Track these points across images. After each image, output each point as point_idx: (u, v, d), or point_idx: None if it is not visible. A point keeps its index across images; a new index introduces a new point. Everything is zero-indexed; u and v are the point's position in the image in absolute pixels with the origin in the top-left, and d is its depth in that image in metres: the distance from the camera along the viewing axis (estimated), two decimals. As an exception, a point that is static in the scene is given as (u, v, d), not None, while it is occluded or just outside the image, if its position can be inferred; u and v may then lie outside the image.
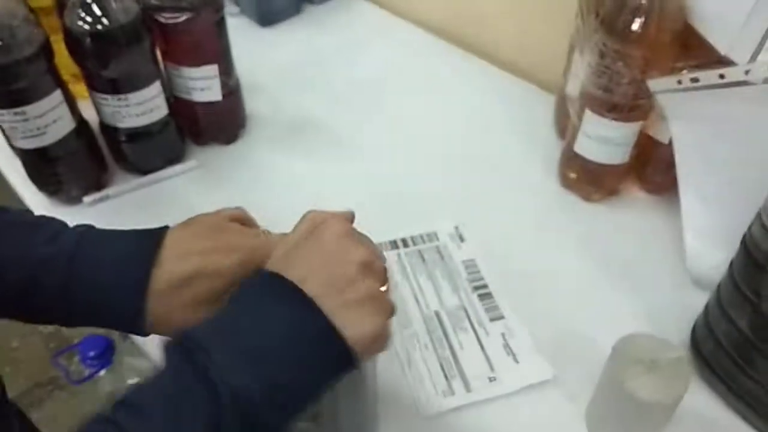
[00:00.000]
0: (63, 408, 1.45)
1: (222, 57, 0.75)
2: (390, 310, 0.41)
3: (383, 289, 0.42)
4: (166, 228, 0.47)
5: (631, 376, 0.48)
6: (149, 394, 0.35)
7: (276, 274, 0.39)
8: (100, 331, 1.29)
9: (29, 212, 0.48)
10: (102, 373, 1.21)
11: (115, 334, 1.35)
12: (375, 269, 0.41)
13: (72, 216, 0.71)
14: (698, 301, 0.59)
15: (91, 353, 1.17)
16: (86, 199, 0.74)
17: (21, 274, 0.44)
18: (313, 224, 0.42)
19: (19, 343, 1.59)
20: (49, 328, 1.62)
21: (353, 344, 0.38)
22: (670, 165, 0.66)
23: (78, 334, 1.55)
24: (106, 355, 1.21)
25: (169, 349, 0.37)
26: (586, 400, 0.55)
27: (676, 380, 0.48)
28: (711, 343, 0.56)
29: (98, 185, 0.76)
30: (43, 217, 0.49)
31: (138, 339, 0.50)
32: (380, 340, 0.40)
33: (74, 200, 0.74)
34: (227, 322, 0.38)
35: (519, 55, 0.93)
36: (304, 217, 0.44)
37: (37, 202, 0.74)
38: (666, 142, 0.68)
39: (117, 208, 0.75)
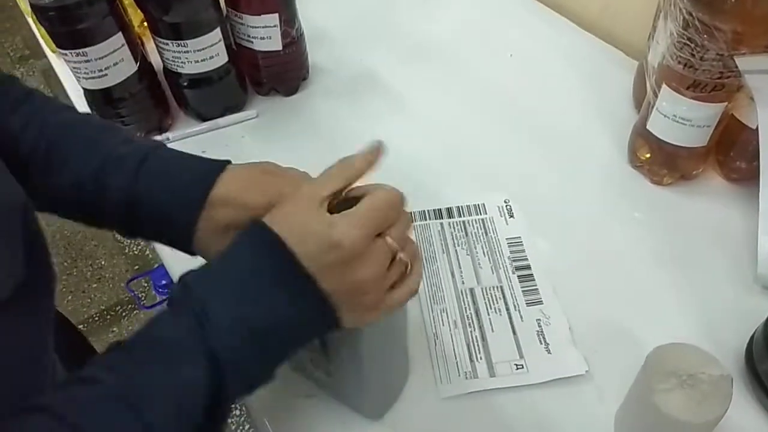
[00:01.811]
0: (139, 326, 1.56)
1: (284, 6, 0.73)
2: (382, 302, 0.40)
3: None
4: (228, 162, 0.48)
5: (662, 390, 0.44)
6: (142, 343, 0.37)
7: (262, 224, 0.38)
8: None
9: (99, 118, 0.50)
10: (171, 300, 1.28)
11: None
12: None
13: (133, 157, 0.75)
14: (762, 309, 0.54)
15: (162, 282, 1.24)
16: (147, 141, 0.76)
17: (94, 167, 0.45)
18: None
19: (106, 262, 1.71)
20: (135, 251, 1.73)
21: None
22: (756, 152, 0.59)
23: (156, 260, 1.64)
24: (175, 285, 1.28)
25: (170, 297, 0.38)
26: (618, 403, 0.51)
27: (713, 401, 0.43)
28: (769, 359, 0.50)
29: (160, 128, 0.78)
30: (114, 123, 0.51)
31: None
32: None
33: (137, 141, 0.77)
34: (221, 272, 0.38)
35: (603, 13, 0.85)
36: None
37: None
38: (754, 126, 0.60)
39: None
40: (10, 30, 2.39)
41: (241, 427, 1.39)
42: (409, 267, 0.41)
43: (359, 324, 0.41)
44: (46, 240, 0.39)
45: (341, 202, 0.40)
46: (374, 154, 0.42)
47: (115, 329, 1.57)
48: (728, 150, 0.66)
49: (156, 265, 1.59)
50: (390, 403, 0.53)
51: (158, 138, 0.76)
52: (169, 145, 0.74)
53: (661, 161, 0.67)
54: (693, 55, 0.56)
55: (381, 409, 0.52)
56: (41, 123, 0.47)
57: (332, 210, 0.39)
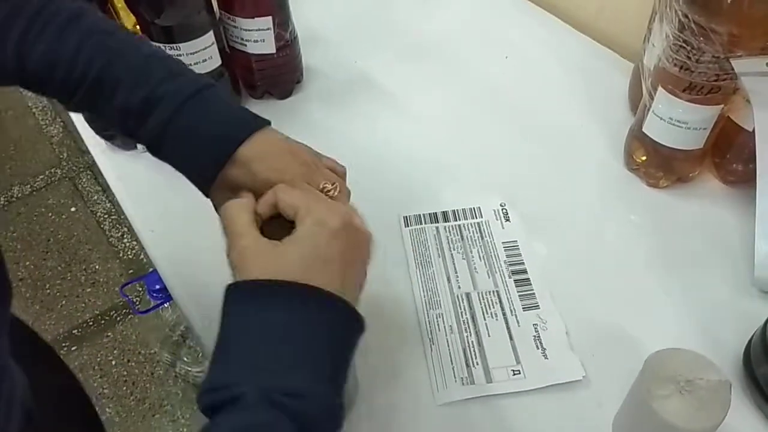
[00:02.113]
0: (132, 331, 1.55)
1: (278, 9, 0.73)
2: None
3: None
4: (269, 122, 0.48)
5: (660, 396, 0.43)
6: None
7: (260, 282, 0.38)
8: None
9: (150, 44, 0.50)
10: (166, 305, 1.27)
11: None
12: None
13: (126, 161, 0.74)
14: (760, 313, 0.53)
15: (156, 286, 1.23)
16: (140, 145, 0.76)
17: (140, 99, 0.45)
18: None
19: (100, 267, 1.70)
20: (129, 255, 1.72)
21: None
22: (753, 155, 0.59)
23: (150, 264, 1.63)
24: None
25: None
26: (616, 408, 0.51)
27: (712, 407, 0.43)
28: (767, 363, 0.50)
29: (153, 132, 0.77)
30: (161, 50, 0.50)
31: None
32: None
33: (130, 146, 0.76)
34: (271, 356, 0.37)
35: (598, 15, 0.85)
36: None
37: (94, 145, 0.76)
38: (750, 129, 0.60)
39: None
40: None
41: None
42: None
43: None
44: (1, 252, 0.39)
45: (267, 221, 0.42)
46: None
47: (109, 334, 1.56)
48: (725, 152, 0.65)
49: (150, 270, 1.58)
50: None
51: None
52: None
53: (658, 164, 0.66)
54: (689, 58, 0.56)
55: None
56: (93, 47, 0.46)
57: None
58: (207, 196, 0.47)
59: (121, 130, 0.48)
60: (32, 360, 0.53)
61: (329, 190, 0.45)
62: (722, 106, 0.59)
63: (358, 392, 0.53)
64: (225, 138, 0.45)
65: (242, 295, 0.38)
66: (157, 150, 0.47)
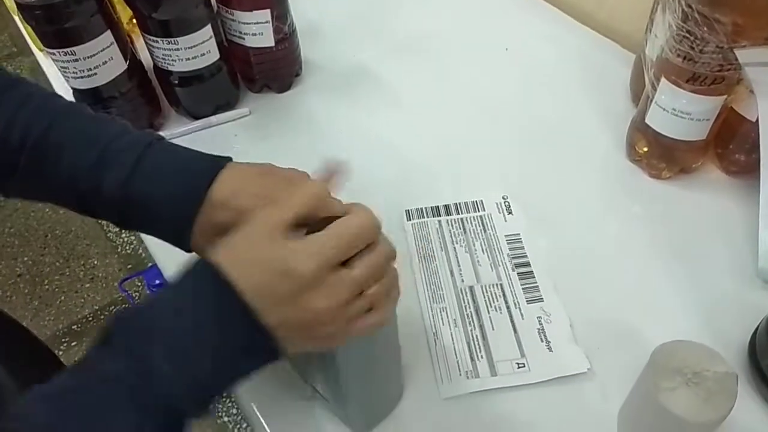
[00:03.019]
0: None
1: (276, 1, 0.72)
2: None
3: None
4: (230, 158, 0.46)
5: (667, 388, 0.43)
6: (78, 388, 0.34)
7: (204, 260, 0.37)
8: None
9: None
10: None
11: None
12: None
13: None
14: (764, 304, 0.53)
15: (156, 281, 1.22)
16: (139, 140, 0.75)
17: (91, 161, 0.44)
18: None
19: (98, 262, 1.69)
20: (128, 250, 1.72)
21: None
22: (756, 145, 0.58)
23: (149, 259, 1.63)
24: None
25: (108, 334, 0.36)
26: (621, 400, 0.51)
27: (719, 398, 0.43)
28: (772, 354, 0.50)
29: (152, 127, 0.76)
30: (108, 114, 0.50)
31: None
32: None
33: (128, 141, 0.75)
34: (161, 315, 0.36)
35: (600, 6, 0.84)
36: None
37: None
38: (754, 119, 0.60)
39: None
40: (-3, 27, 2.36)
41: (238, 426, 1.38)
42: (381, 300, 0.38)
43: (323, 349, 0.39)
44: None
45: (322, 220, 0.37)
46: (333, 175, 0.40)
47: (109, 329, 1.56)
48: (727, 143, 0.65)
49: (149, 265, 1.58)
50: (379, 418, 0.51)
51: (150, 137, 0.75)
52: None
53: (660, 155, 0.66)
54: (692, 48, 0.55)
55: (368, 423, 0.51)
56: (32, 112, 0.45)
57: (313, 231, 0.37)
58: (188, 250, 0.46)
59: (70, 202, 0.46)
60: (26, 361, 0.53)
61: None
62: (726, 96, 0.59)
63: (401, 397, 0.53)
64: (194, 181, 0.44)
65: (191, 268, 0.37)
66: (122, 212, 0.45)
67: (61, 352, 1.51)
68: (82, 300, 1.62)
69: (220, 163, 0.45)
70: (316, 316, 0.36)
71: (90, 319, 1.58)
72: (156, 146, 0.45)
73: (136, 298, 1.53)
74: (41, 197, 0.47)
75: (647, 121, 0.64)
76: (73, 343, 1.53)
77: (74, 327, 1.56)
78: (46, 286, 1.65)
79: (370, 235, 0.37)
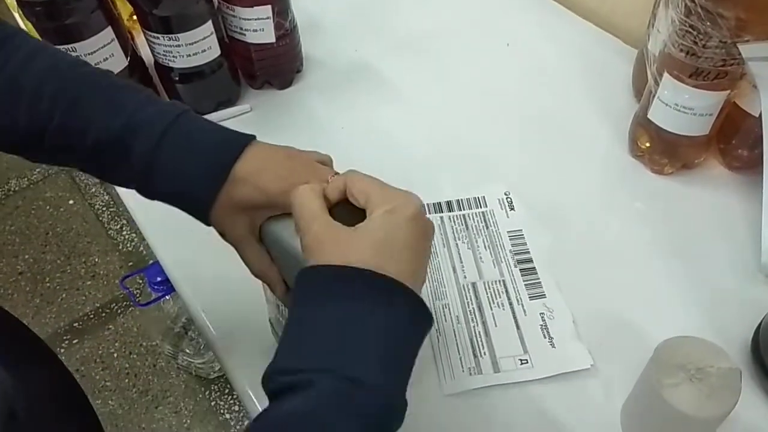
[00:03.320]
0: (134, 323, 1.55)
1: (276, -3, 0.72)
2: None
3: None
4: (254, 137, 0.46)
5: (670, 384, 0.43)
6: None
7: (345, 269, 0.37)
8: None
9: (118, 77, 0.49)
10: (167, 297, 1.26)
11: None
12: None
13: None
14: (767, 299, 0.53)
15: (158, 278, 1.22)
16: (140, 137, 0.75)
17: (117, 129, 0.43)
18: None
19: (99, 259, 1.69)
20: (129, 247, 1.72)
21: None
22: (758, 140, 0.58)
23: (151, 256, 1.63)
24: (170, 282, 1.26)
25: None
26: (624, 396, 0.51)
27: (723, 394, 0.43)
28: (775, 349, 0.50)
29: (153, 124, 0.76)
30: (134, 83, 0.49)
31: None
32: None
33: (129, 138, 0.75)
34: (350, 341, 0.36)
35: (601, 1, 0.84)
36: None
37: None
38: (757, 114, 0.59)
39: None
40: (-4, 25, 2.36)
41: (240, 423, 1.38)
42: None
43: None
44: None
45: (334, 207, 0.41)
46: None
47: (111, 326, 1.56)
48: (730, 138, 0.65)
49: (151, 262, 1.58)
50: None
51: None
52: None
53: (662, 150, 0.66)
54: (695, 43, 0.55)
55: None
56: (59, 78, 0.44)
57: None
58: (207, 223, 0.46)
59: (95, 169, 0.46)
60: (21, 357, 0.52)
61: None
62: (728, 91, 0.58)
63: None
64: (218, 157, 0.44)
65: (318, 280, 0.38)
66: (144, 182, 0.45)
67: (62, 350, 1.51)
68: (84, 297, 1.62)
69: (245, 139, 0.45)
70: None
71: (91, 316, 1.58)
72: (182, 119, 0.45)
73: (138, 295, 1.53)
74: (69, 164, 0.47)
75: (650, 116, 0.63)
76: (74, 341, 1.53)
77: (76, 325, 1.56)
78: (47, 284, 1.65)
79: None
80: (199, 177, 0.44)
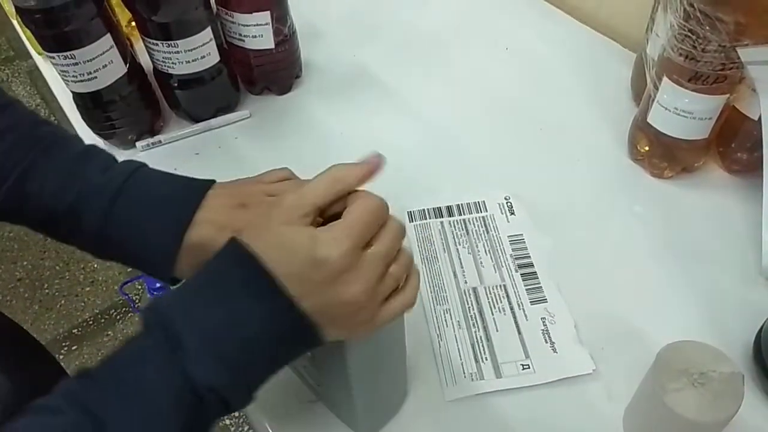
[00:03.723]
0: (133, 329, 1.54)
1: (276, 3, 0.72)
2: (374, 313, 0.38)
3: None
4: (211, 183, 0.47)
5: (673, 389, 0.43)
6: (112, 372, 0.35)
7: (237, 243, 0.36)
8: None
9: (80, 140, 0.50)
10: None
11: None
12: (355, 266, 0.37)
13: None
14: (768, 303, 0.53)
15: (157, 284, 1.22)
16: (139, 144, 0.75)
17: (69, 201, 0.45)
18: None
19: (98, 265, 1.69)
20: (127, 253, 1.71)
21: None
22: (758, 143, 0.58)
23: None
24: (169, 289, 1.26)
25: (144, 322, 0.36)
26: (627, 401, 0.51)
27: (725, 399, 0.43)
28: (777, 353, 0.50)
29: (152, 130, 0.76)
30: (95, 147, 0.49)
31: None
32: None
33: (128, 144, 0.75)
34: (198, 305, 0.36)
35: (600, 6, 0.84)
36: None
37: (91, 143, 0.75)
38: (756, 118, 0.60)
39: (169, 154, 0.75)
40: (-6, 31, 2.36)
41: (240, 429, 1.38)
42: (403, 279, 0.39)
43: (351, 337, 0.39)
44: None
45: (329, 216, 0.38)
46: (371, 166, 0.38)
47: (110, 333, 1.55)
48: (729, 141, 0.65)
49: (149, 267, 1.57)
50: (384, 421, 0.51)
51: (150, 140, 0.75)
52: (162, 147, 0.74)
53: (662, 154, 0.66)
54: (694, 47, 0.55)
55: (373, 426, 0.51)
56: (16, 142, 0.46)
57: (320, 224, 0.37)
58: (172, 284, 0.46)
59: (51, 234, 0.47)
60: (21, 362, 0.52)
61: None
62: (728, 95, 0.59)
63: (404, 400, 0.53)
64: (167, 228, 0.44)
65: (231, 255, 0.37)
66: (98, 251, 0.46)
67: (61, 356, 1.50)
68: (83, 304, 1.62)
69: (195, 200, 0.45)
70: (352, 299, 0.36)
71: (90, 322, 1.58)
72: (129, 186, 0.45)
73: (137, 301, 1.53)
74: (23, 225, 0.48)
75: (649, 120, 0.64)
76: (73, 347, 1.53)
77: (75, 331, 1.56)
78: (46, 290, 1.64)
79: (384, 214, 0.38)
80: (152, 247, 0.45)
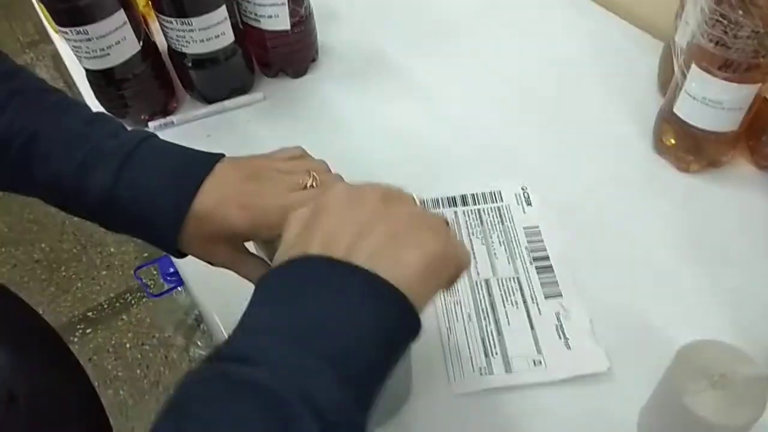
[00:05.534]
0: (147, 314, 1.55)
1: (291, -18, 0.70)
2: (439, 226, 0.37)
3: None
4: (221, 156, 0.46)
5: (692, 390, 0.41)
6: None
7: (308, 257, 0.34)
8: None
9: (89, 108, 0.48)
10: (179, 289, 1.26)
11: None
12: (396, 196, 0.38)
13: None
14: (797, 304, 0.50)
15: (170, 270, 1.22)
16: (151, 123, 0.74)
17: (77, 162, 0.43)
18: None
19: (115, 249, 1.70)
20: (144, 238, 1.72)
21: (407, 290, 0.34)
22: (791, 138, 0.56)
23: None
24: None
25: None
26: (642, 402, 0.49)
27: (748, 402, 0.40)
28: (804, 357, 0.47)
29: (165, 111, 0.75)
30: (104, 113, 0.48)
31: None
32: (440, 265, 0.36)
33: (141, 124, 0.74)
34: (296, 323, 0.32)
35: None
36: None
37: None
38: (789, 110, 0.57)
39: (182, 135, 0.72)
40: (21, 16, 2.38)
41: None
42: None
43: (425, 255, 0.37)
44: None
45: None
46: None
47: (124, 317, 1.56)
48: (759, 135, 0.62)
49: (164, 254, 1.58)
50: (390, 414, 0.50)
51: (162, 121, 0.74)
52: (175, 128, 0.73)
53: (688, 147, 0.63)
54: (726, 33, 0.53)
55: (379, 419, 0.49)
56: (24, 105, 0.44)
57: None
58: (177, 256, 0.45)
59: (56, 202, 0.46)
60: (26, 343, 0.52)
61: (311, 184, 0.44)
62: (760, 84, 0.56)
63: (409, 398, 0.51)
64: (176, 195, 0.43)
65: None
66: (103, 217, 0.44)
67: (75, 339, 1.51)
68: (98, 287, 1.63)
69: (204, 170, 0.44)
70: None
71: (105, 306, 1.59)
72: (140, 150, 0.44)
73: (151, 286, 1.53)
74: (28, 193, 0.47)
75: (675, 110, 0.61)
76: (88, 330, 1.54)
77: (90, 314, 1.57)
78: (63, 273, 1.65)
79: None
80: (159, 214, 0.43)
